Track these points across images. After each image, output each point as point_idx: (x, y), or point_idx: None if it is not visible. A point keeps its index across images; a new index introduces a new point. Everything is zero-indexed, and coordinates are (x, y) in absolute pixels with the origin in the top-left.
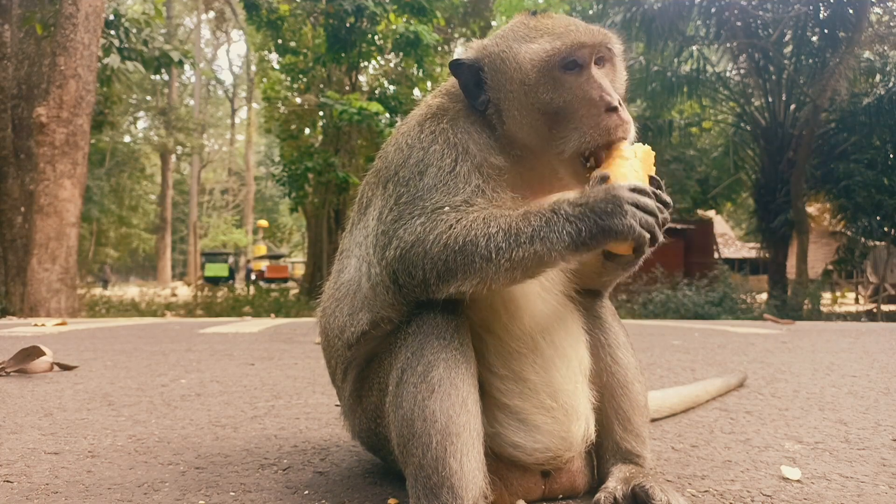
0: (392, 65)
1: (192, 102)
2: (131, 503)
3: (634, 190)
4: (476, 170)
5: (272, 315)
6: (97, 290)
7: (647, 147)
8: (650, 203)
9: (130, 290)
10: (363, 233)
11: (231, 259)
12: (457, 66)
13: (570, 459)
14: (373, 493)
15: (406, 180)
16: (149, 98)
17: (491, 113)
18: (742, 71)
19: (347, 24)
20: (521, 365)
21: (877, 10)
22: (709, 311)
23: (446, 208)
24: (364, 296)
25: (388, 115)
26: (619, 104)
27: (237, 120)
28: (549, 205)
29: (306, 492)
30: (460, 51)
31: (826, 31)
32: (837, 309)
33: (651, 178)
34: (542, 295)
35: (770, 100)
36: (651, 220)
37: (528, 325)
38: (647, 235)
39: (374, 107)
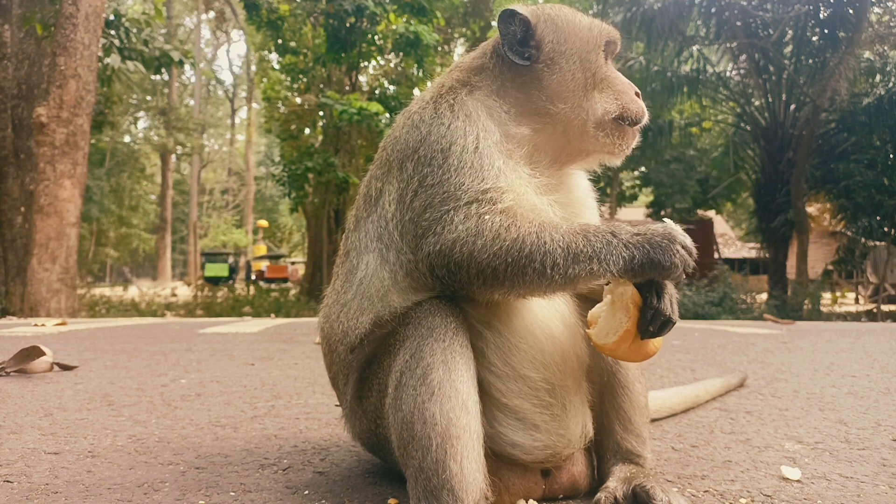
0: (392, 65)
1: (192, 102)
2: (131, 503)
3: (685, 233)
4: (497, 147)
5: (272, 315)
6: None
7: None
8: (692, 247)
9: (132, 291)
10: (378, 224)
11: (231, 259)
12: (511, 15)
13: (569, 457)
14: (373, 494)
15: (429, 159)
16: (149, 98)
17: (521, 76)
18: (742, 71)
19: (347, 24)
20: (520, 361)
21: (877, 10)
22: (709, 311)
23: (481, 201)
24: (385, 286)
25: (388, 115)
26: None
27: (237, 120)
28: (606, 225)
29: (306, 492)
30: (460, 51)
31: (826, 31)
32: (837, 309)
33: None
34: None
35: (770, 100)
36: (691, 262)
37: (529, 320)
38: (683, 276)
39: (374, 107)
